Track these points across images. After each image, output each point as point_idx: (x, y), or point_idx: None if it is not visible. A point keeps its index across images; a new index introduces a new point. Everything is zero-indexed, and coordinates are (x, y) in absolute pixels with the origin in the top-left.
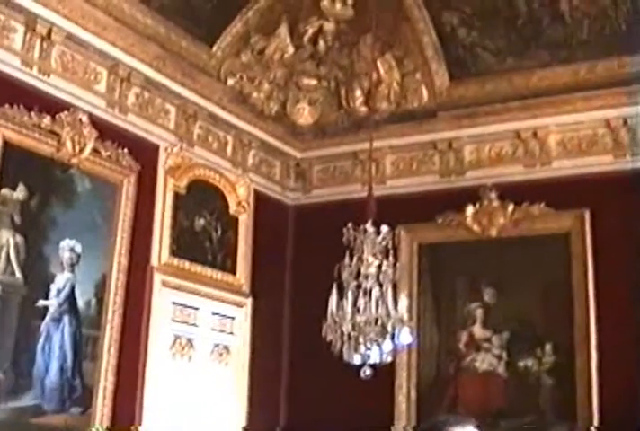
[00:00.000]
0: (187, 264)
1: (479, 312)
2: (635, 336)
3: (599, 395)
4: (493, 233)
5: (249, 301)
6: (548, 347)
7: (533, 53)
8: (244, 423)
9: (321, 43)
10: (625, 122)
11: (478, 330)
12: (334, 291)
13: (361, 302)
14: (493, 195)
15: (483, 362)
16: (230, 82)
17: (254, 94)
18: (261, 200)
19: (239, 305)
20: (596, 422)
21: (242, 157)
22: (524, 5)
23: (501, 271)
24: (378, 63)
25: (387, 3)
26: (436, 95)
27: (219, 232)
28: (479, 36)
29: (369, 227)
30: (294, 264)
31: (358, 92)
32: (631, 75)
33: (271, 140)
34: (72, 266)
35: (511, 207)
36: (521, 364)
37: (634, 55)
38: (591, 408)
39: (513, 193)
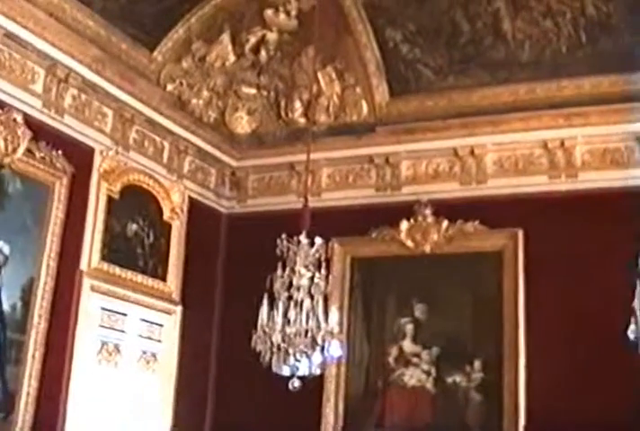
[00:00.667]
0: (117, 269)
1: (409, 328)
2: (562, 354)
3: (526, 412)
4: (427, 249)
5: (178, 309)
6: (477, 363)
7: (474, 72)
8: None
9: (263, 53)
10: (562, 144)
11: (408, 345)
12: (265, 301)
13: (292, 313)
14: (428, 211)
15: (411, 377)
16: (169, 87)
17: (193, 101)
18: (195, 207)
19: (168, 313)
20: None
21: (177, 164)
22: (467, 25)
23: (433, 287)
24: (319, 75)
25: (331, 16)
26: (375, 110)
27: (152, 238)
28: (421, 53)
29: (303, 239)
30: (226, 273)
31: (297, 104)
32: (569, 98)
33: (207, 147)
34: None
35: (445, 224)
36: (450, 379)
37: (573, 78)
38: (518, 425)
39: (448, 210)
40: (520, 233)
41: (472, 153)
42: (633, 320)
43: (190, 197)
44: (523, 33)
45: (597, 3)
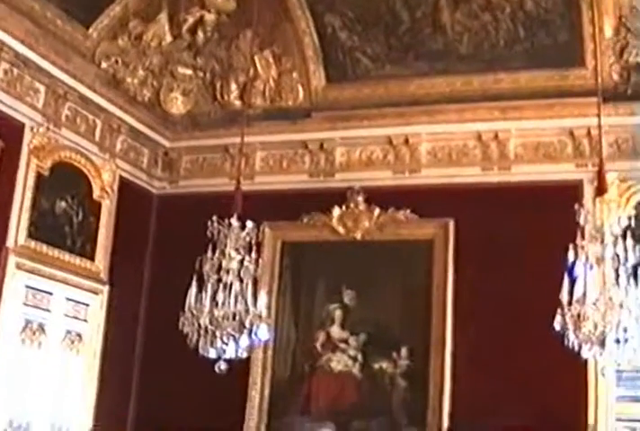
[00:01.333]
0: (44, 247)
1: (338, 314)
2: (489, 343)
3: (450, 400)
4: (358, 235)
5: (105, 289)
6: (404, 350)
7: (412, 62)
8: (92, 412)
9: (200, 34)
10: (496, 136)
11: (336, 331)
12: (194, 283)
13: (221, 296)
14: (361, 198)
15: (338, 362)
16: (104, 65)
17: (128, 79)
18: (126, 187)
19: (95, 292)
20: (446, 426)
21: (110, 142)
22: (406, 14)
23: (362, 274)
24: (256, 58)
25: (271, 0)
26: (311, 96)
27: (80, 216)
28: (360, 41)
29: (234, 222)
30: (155, 254)
31: (233, 86)
32: (505, 91)
33: (140, 127)
34: None
35: (376, 212)
36: (376, 366)
37: (509, 71)
38: (442, 412)
39: (380, 198)
40: (451, 223)
41: (406, 142)
42: (559, 311)
43: (121, 177)
44: (462, 26)
45: None
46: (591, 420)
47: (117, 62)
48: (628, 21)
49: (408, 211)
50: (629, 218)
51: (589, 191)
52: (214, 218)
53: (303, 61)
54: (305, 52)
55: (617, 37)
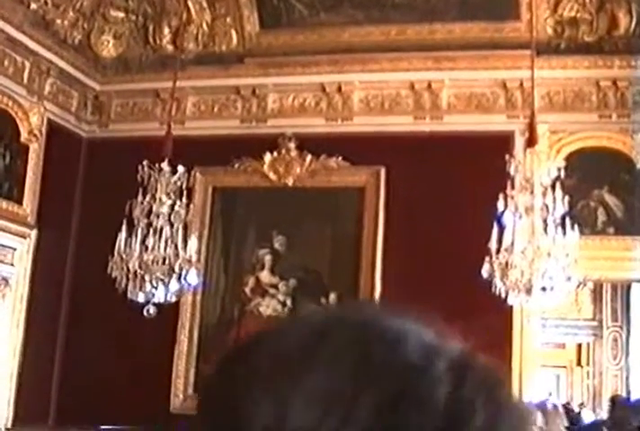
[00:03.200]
0: None
1: (268, 259)
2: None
3: None
4: (289, 181)
5: (33, 232)
6: (333, 296)
7: (346, 9)
8: (19, 356)
9: None
10: (429, 86)
11: (266, 276)
12: (124, 228)
13: (151, 240)
14: (292, 145)
15: (267, 307)
16: (33, 5)
17: (58, 21)
18: (54, 130)
19: (22, 236)
20: None
21: (38, 85)
22: None
23: (293, 220)
24: (190, 3)
25: None
26: (245, 41)
27: (7, 159)
28: None
29: (165, 166)
30: (84, 198)
31: (166, 30)
32: (439, 42)
33: (70, 70)
34: None
35: (308, 158)
36: (305, 311)
37: (444, 22)
38: None
39: (312, 145)
40: (383, 171)
41: (339, 90)
42: (487, 259)
43: (49, 120)
44: None
45: None
46: (515, 366)
47: (46, 3)
48: None
49: (340, 158)
50: (559, 170)
51: (520, 142)
52: (144, 163)
53: (237, 6)
54: None
55: None
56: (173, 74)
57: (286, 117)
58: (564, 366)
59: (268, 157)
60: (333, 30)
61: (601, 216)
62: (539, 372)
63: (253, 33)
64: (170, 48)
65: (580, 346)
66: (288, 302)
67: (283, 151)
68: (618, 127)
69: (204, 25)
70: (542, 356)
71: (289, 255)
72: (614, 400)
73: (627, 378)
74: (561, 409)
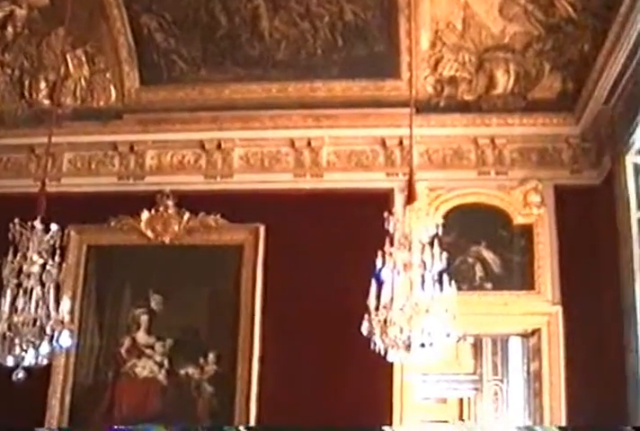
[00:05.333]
0: None
1: (144, 319)
2: (297, 349)
3: (257, 405)
4: (167, 239)
5: None
6: (211, 355)
7: (228, 67)
8: None
9: (9, 29)
10: (309, 143)
11: (142, 336)
12: None
13: (20, 301)
14: (170, 202)
15: (143, 368)
16: None
17: None
18: None
19: None
20: None
21: None
22: (225, 19)
23: (171, 279)
24: (68, 57)
25: None
26: (124, 97)
27: None
28: (176, 43)
29: (38, 224)
30: None
31: (42, 84)
32: (320, 100)
33: None
34: None
35: (186, 216)
36: (182, 371)
37: (325, 80)
38: (249, 418)
39: (191, 202)
40: (262, 229)
41: (219, 147)
42: (366, 316)
43: None
44: (281, 33)
45: (355, 9)
46: (396, 421)
47: None
48: (444, 36)
49: (218, 216)
50: (437, 226)
51: (399, 200)
52: (16, 220)
53: (117, 61)
54: (119, 52)
55: (433, 50)
56: (49, 129)
57: (164, 174)
58: (446, 421)
59: (145, 215)
60: (213, 87)
61: (479, 272)
62: (420, 427)
63: (132, 89)
64: (46, 102)
65: (461, 400)
66: (166, 362)
67: (161, 208)
68: (496, 183)
69: (82, 80)
70: (424, 411)
71: (167, 314)
72: None
73: None
74: None
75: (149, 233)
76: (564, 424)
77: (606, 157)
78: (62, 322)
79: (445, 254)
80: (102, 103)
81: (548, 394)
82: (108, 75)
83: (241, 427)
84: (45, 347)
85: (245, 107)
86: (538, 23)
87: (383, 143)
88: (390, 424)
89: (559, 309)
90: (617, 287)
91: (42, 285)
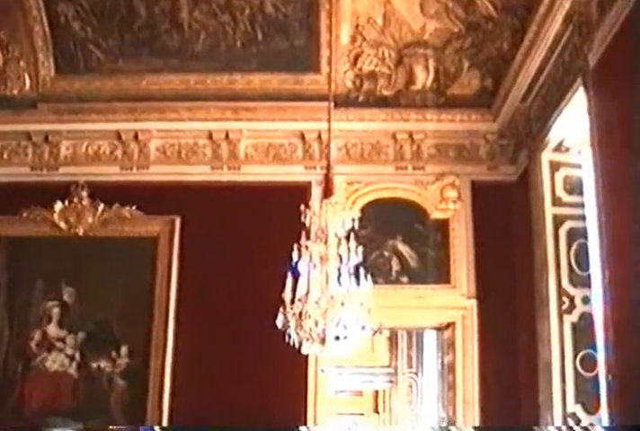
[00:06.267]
0: None
1: (56, 311)
2: (211, 342)
3: (170, 399)
4: (80, 231)
5: None
6: (124, 349)
7: (146, 57)
8: None
9: None
10: (227, 136)
11: (53, 330)
12: None
13: None
14: (85, 193)
15: (54, 362)
16: None
17: None
18: None
19: None
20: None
21: None
22: (144, 9)
23: (84, 271)
24: None
25: None
26: (39, 86)
27: None
28: (93, 33)
29: None
30: None
31: None
32: (238, 92)
33: None
34: None
35: (101, 207)
36: (94, 365)
37: (244, 73)
38: (162, 411)
39: (106, 193)
40: (178, 221)
41: (136, 138)
42: (281, 309)
43: None
44: (200, 24)
45: (276, 3)
46: (310, 414)
47: None
48: (365, 31)
49: (134, 208)
50: (353, 220)
51: (316, 193)
52: None
53: (32, 50)
54: (34, 40)
55: (353, 45)
56: None
57: (79, 165)
58: (362, 413)
59: (59, 206)
60: (131, 78)
61: (395, 266)
62: (336, 419)
63: (47, 78)
64: None
65: (377, 392)
66: (77, 356)
67: (75, 199)
68: (414, 178)
69: None
70: (340, 404)
71: (79, 307)
72: None
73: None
74: None
75: (62, 225)
76: (477, 415)
77: (522, 154)
78: None
79: (361, 248)
80: (15, 92)
81: (462, 387)
82: (22, 64)
83: None
84: None
85: (163, 98)
86: (458, 21)
87: (301, 136)
88: (305, 416)
89: (474, 303)
90: (531, 282)
91: None
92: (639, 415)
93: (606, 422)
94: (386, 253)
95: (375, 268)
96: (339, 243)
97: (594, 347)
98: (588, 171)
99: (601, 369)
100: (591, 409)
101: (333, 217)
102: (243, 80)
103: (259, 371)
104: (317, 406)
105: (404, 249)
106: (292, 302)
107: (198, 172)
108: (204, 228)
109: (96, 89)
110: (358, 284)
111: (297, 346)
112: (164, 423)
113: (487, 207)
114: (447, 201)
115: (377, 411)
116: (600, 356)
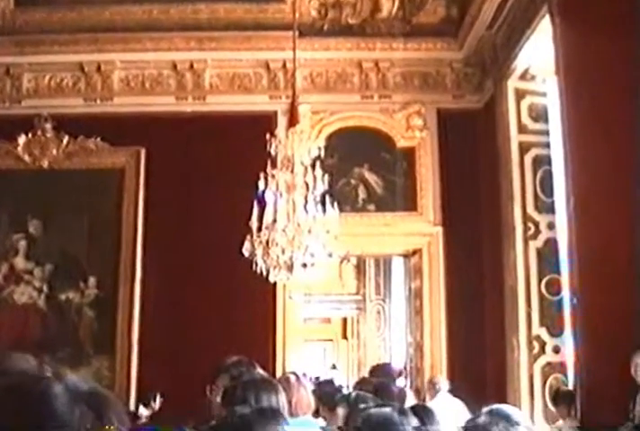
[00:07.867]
0: None
1: (22, 244)
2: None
3: (139, 327)
4: (45, 164)
5: None
6: (92, 280)
7: None
8: None
9: None
10: (191, 66)
11: (20, 262)
12: None
13: None
14: (49, 125)
15: (22, 294)
16: None
17: None
18: None
19: None
20: (135, 352)
21: None
22: None
23: (50, 203)
24: None
25: None
26: None
27: None
28: None
29: None
30: None
31: None
32: (203, 22)
33: None
34: None
35: (65, 140)
36: (63, 296)
37: (208, 2)
38: (131, 339)
39: (70, 125)
40: (143, 152)
41: (99, 69)
42: (248, 237)
43: None
44: None
45: None
46: (279, 341)
47: None
48: None
49: (99, 139)
50: (319, 149)
51: (282, 123)
52: None
53: None
54: None
55: None
56: None
57: (42, 97)
58: (331, 340)
59: (22, 139)
60: (92, 8)
61: (362, 194)
62: (304, 346)
63: (7, 10)
64: None
65: (345, 319)
66: (45, 288)
67: (39, 132)
68: (379, 107)
69: None
70: (308, 331)
71: (46, 239)
72: (375, 368)
73: (390, 348)
74: (306, 379)
75: (27, 158)
76: (444, 340)
77: (488, 82)
78: None
79: (327, 176)
80: None
81: (429, 312)
82: None
83: None
84: None
85: (126, 29)
86: None
87: (266, 66)
88: (274, 343)
89: (440, 229)
90: (497, 209)
91: None
92: (602, 337)
93: (570, 344)
94: (352, 181)
95: (342, 196)
96: (305, 172)
97: (559, 272)
98: (553, 98)
99: (565, 293)
100: (555, 331)
101: (298, 146)
102: (207, 9)
103: (227, 299)
104: (286, 333)
105: (370, 177)
106: (259, 230)
107: (163, 103)
108: (170, 159)
109: (58, 20)
110: (324, 211)
111: (264, 273)
112: (135, 350)
113: (453, 135)
114: (413, 129)
115: (345, 337)
116: (564, 279)
